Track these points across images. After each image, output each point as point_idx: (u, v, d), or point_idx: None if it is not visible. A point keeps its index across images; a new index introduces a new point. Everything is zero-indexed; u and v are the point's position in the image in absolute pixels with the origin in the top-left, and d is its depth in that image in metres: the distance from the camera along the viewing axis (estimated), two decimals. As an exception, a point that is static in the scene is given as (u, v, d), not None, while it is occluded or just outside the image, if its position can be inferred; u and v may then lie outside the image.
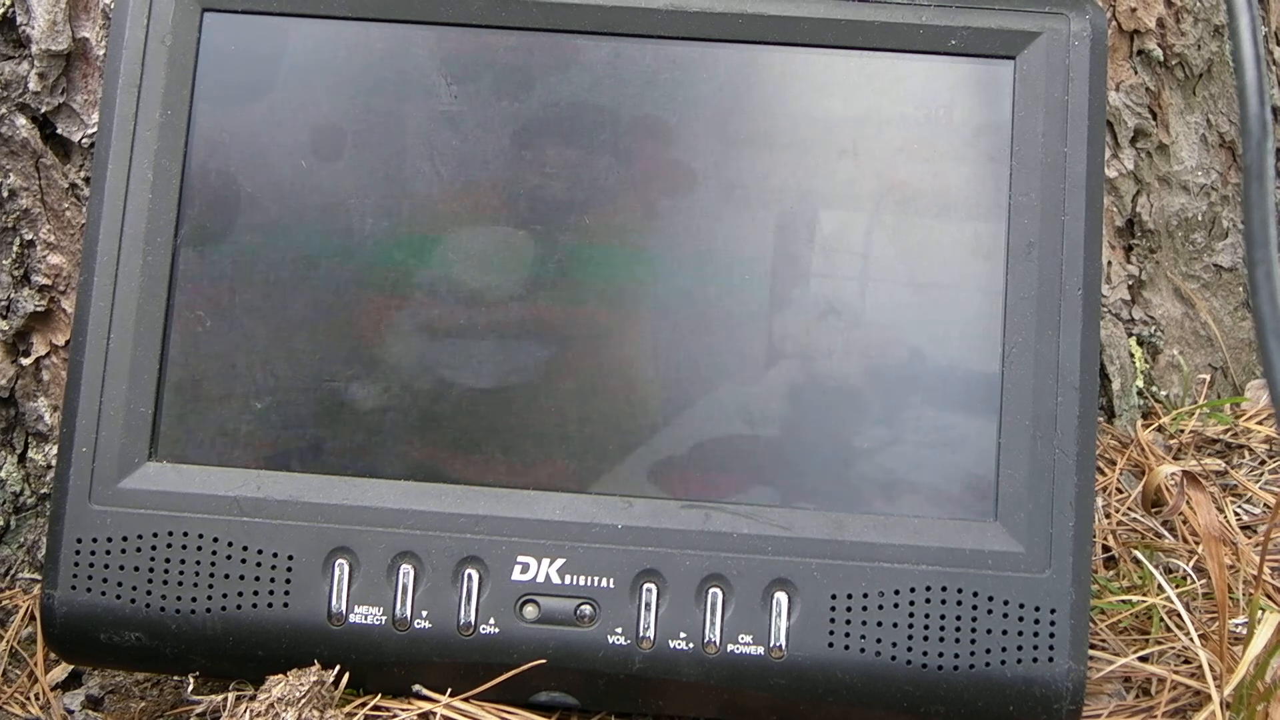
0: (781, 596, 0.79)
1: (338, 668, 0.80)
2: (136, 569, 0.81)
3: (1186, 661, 0.90)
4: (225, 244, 0.84)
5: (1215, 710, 0.81)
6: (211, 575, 0.81)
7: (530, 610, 0.80)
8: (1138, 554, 1.01)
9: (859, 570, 0.79)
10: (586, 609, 0.80)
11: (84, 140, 0.99)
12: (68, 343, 1.01)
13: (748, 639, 0.79)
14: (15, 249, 1.01)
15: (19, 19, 0.97)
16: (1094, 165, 0.82)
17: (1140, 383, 1.21)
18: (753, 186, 0.84)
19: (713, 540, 0.80)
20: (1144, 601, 0.94)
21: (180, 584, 0.81)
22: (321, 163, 0.85)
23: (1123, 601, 0.95)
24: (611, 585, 0.80)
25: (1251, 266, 1.23)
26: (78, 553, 0.81)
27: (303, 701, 0.77)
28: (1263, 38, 1.15)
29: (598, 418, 0.82)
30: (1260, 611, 0.85)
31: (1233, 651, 0.86)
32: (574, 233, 0.83)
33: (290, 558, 0.81)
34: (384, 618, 0.80)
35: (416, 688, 0.82)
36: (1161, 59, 1.17)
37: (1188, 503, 1.04)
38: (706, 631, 0.79)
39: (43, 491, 1.04)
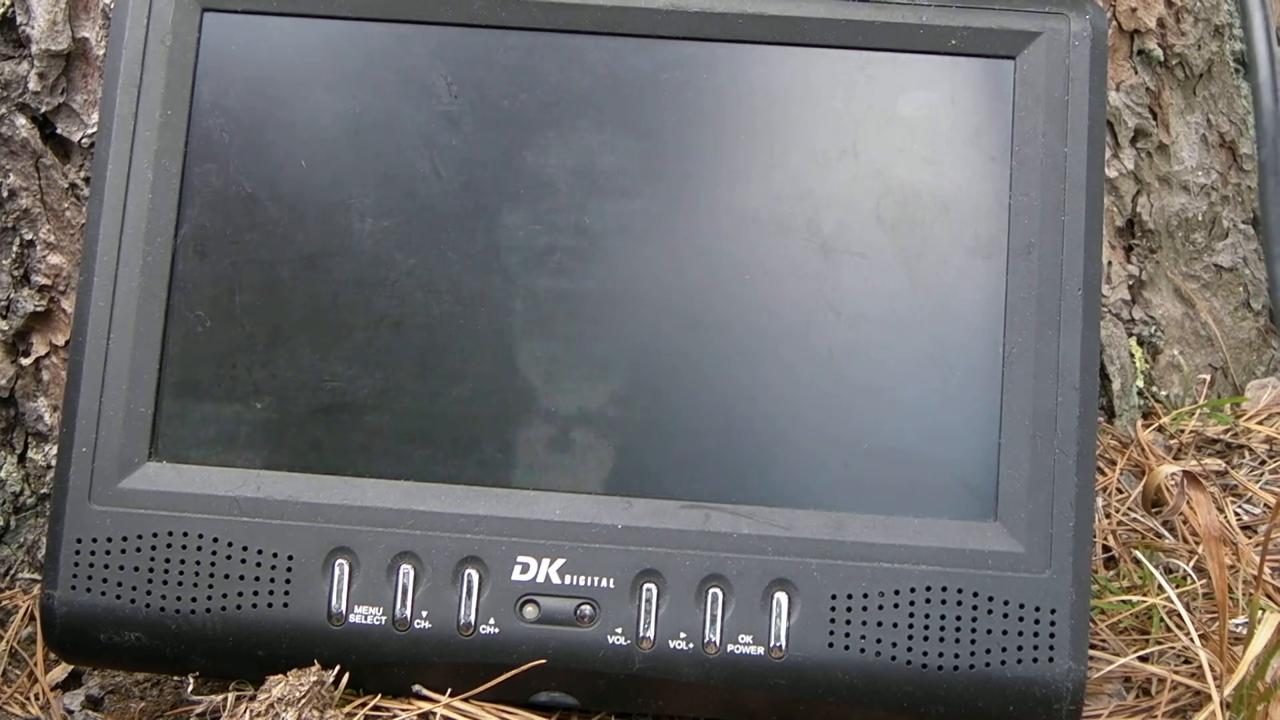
0: (781, 596, 0.79)
1: (338, 668, 0.80)
2: (136, 569, 0.81)
3: (1186, 661, 0.90)
4: (225, 244, 0.84)
5: (1215, 710, 0.81)
6: (211, 575, 0.81)
7: (530, 610, 0.80)
8: (1138, 554, 1.01)
9: (859, 570, 0.79)
10: (586, 609, 0.80)
11: (84, 140, 0.99)
12: (68, 343, 1.01)
13: (748, 639, 0.79)
14: (15, 249, 1.01)
15: (19, 19, 0.97)
16: (1094, 165, 0.82)
17: (1140, 383, 1.21)
18: (753, 186, 0.84)
19: (713, 540, 0.80)
20: (1144, 601, 0.94)
21: (180, 584, 0.81)
22: (321, 163, 0.85)
23: (1123, 601, 0.95)
24: (611, 585, 0.80)
25: (1270, 261, 1.24)
26: (78, 553, 0.81)
27: (303, 701, 0.77)
28: (1275, 36, 1.15)
29: (598, 417, 0.82)
30: (1260, 611, 0.85)
31: (1233, 651, 0.86)
32: (573, 233, 0.83)
33: (290, 558, 0.81)
34: (384, 618, 0.80)
35: (416, 688, 0.82)
36: (1161, 59, 1.17)
37: (1188, 503, 1.04)
38: (706, 631, 0.79)
39: (43, 491, 1.04)
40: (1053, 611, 0.79)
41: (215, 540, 0.81)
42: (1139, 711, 0.86)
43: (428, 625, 0.80)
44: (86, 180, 1.00)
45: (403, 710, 0.81)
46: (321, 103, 0.85)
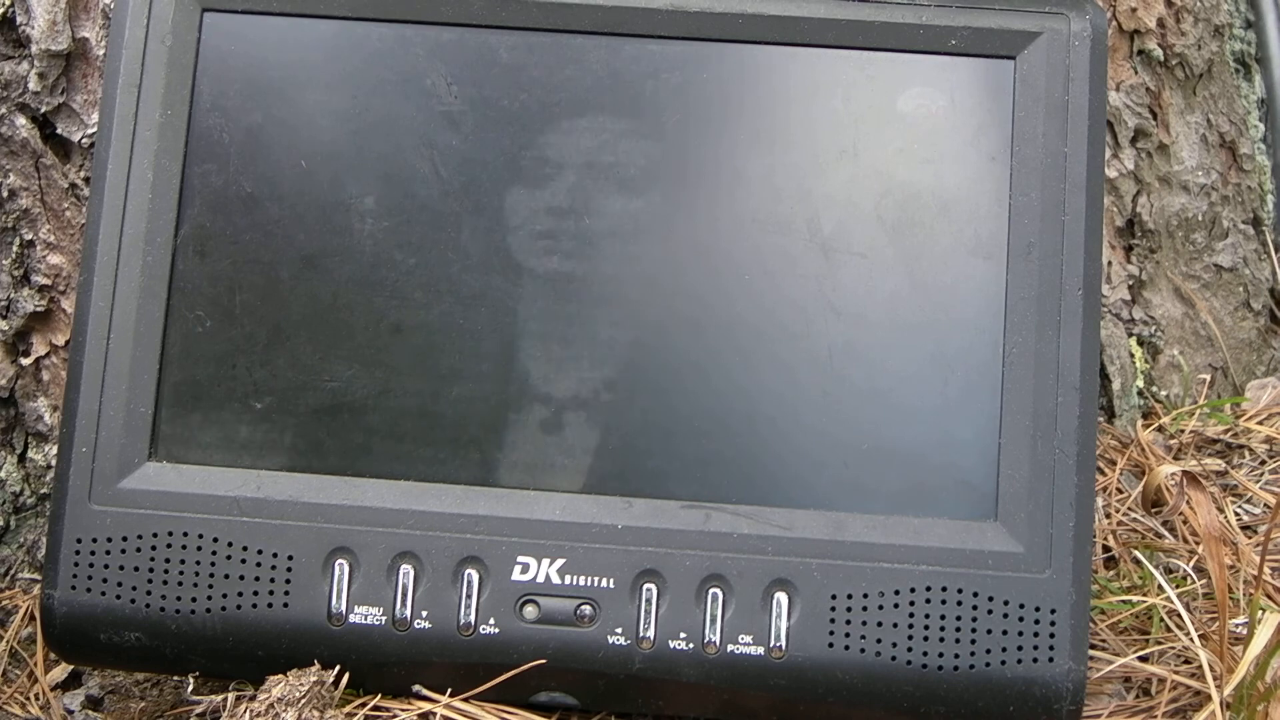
0: (781, 596, 0.79)
1: (338, 668, 0.80)
2: (136, 569, 0.81)
3: (1186, 661, 0.90)
4: (225, 244, 0.84)
5: (1215, 710, 0.81)
6: (211, 575, 0.81)
7: (530, 610, 0.80)
8: (1138, 554, 1.01)
9: (859, 570, 0.79)
10: (586, 609, 0.80)
11: (84, 140, 0.99)
12: (68, 343, 1.01)
13: (748, 639, 0.79)
14: (15, 249, 1.01)
15: (19, 19, 0.97)
16: (1094, 165, 0.82)
17: (1140, 383, 1.21)
18: (753, 186, 0.84)
19: (713, 540, 0.80)
20: (1144, 601, 0.94)
21: (180, 584, 0.81)
22: (321, 163, 0.85)
23: (1123, 601, 0.95)
24: (611, 585, 0.80)
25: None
26: (78, 553, 0.81)
27: (303, 701, 0.77)
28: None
29: (598, 417, 0.82)
30: (1260, 611, 0.85)
31: (1233, 651, 0.86)
32: (573, 233, 0.83)
33: (290, 558, 0.81)
34: (384, 618, 0.80)
35: (416, 688, 0.82)
36: (1161, 59, 1.17)
37: (1188, 503, 1.04)
38: (706, 631, 0.79)
39: (43, 491, 1.04)
40: (1053, 611, 0.79)
41: (215, 540, 0.81)
42: (1139, 711, 0.86)
43: (428, 625, 0.80)
44: (86, 180, 1.00)
45: (403, 710, 0.81)
46: (321, 103, 0.85)
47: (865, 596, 0.79)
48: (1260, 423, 1.21)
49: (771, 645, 0.79)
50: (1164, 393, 1.22)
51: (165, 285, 0.83)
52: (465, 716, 0.80)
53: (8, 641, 0.96)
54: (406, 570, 0.80)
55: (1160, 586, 0.92)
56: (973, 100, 0.84)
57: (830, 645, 0.79)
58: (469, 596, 0.80)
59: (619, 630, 0.80)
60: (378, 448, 0.83)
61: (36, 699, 0.91)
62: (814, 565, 0.80)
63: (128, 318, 0.83)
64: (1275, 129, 1.19)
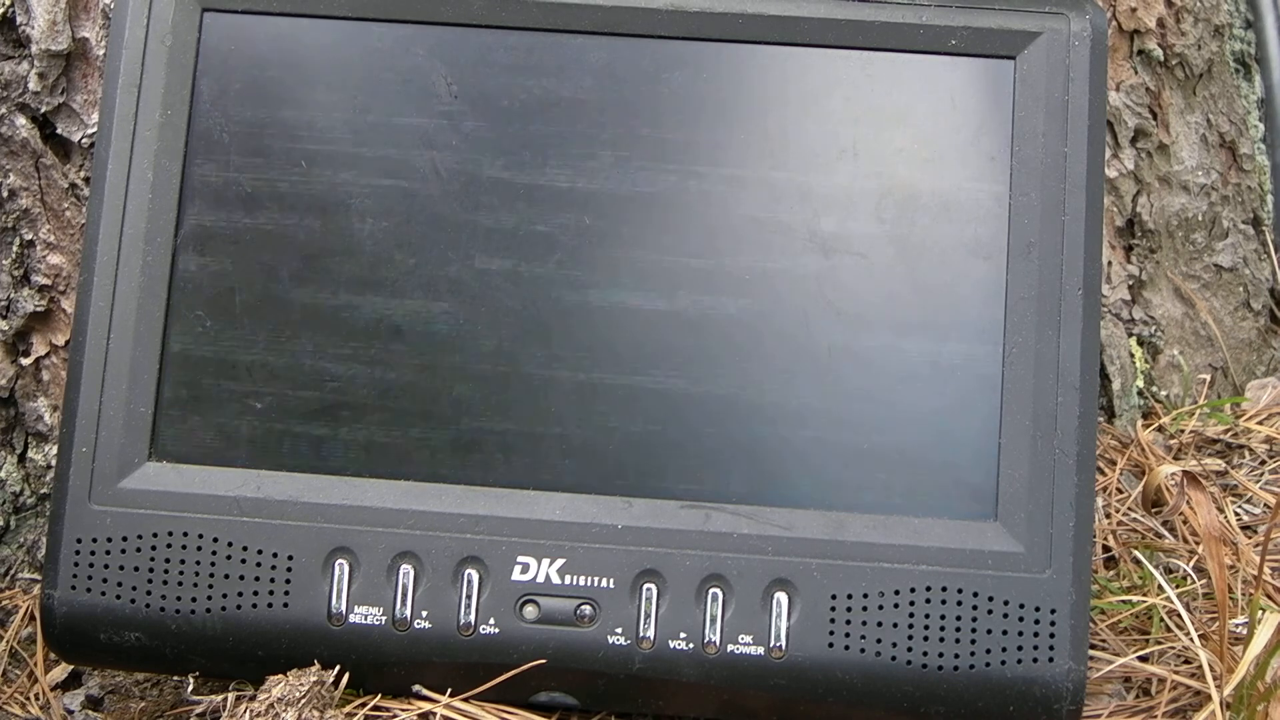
0: (781, 596, 0.79)
1: (338, 668, 0.80)
2: (136, 569, 0.81)
3: (1186, 661, 0.90)
4: (225, 244, 0.84)
5: (1215, 710, 0.81)
6: (211, 575, 0.81)
7: (530, 610, 0.80)
8: (1138, 554, 1.01)
9: (859, 570, 0.79)
10: (586, 609, 0.80)
11: (84, 140, 0.99)
12: (68, 343, 1.01)
13: (748, 639, 0.79)
14: (15, 249, 1.01)
15: (19, 19, 0.97)
16: (1094, 165, 0.82)
17: (1140, 383, 1.21)
18: (753, 186, 0.84)
19: (713, 540, 0.80)
20: (1144, 601, 0.94)
21: (180, 584, 0.81)
22: (321, 163, 0.85)
23: (1123, 601, 0.95)
24: (611, 585, 0.80)
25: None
26: (78, 553, 0.81)
27: (303, 701, 0.77)
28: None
29: (598, 418, 0.82)
30: (1260, 611, 0.85)
31: (1233, 651, 0.86)
32: (574, 233, 0.83)
33: (290, 558, 0.81)
34: (384, 618, 0.80)
35: (416, 688, 0.82)
36: (1161, 59, 1.17)
37: (1188, 503, 1.04)
38: (706, 631, 0.79)
39: (43, 491, 1.04)
40: (1053, 611, 0.79)
41: (215, 540, 0.81)
42: (1139, 711, 0.86)
43: (428, 625, 0.80)
44: (86, 180, 1.00)
45: (403, 710, 0.81)
46: (321, 103, 0.85)
47: (865, 596, 0.79)
48: (1260, 423, 1.21)
49: (771, 645, 0.79)
50: (1164, 393, 1.22)
51: (165, 285, 0.83)
52: (465, 716, 0.80)
53: (8, 641, 0.96)
54: (406, 570, 0.80)
55: (1160, 586, 0.92)
56: (973, 100, 0.84)
57: (830, 645, 0.79)
58: (469, 596, 0.80)
59: (619, 630, 0.80)
60: (378, 448, 0.83)
61: (36, 699, 0.91)
62: (814, 565, 0.80)
63: (128, 318, 0.83)
64: (1275, 129, 1.20)
